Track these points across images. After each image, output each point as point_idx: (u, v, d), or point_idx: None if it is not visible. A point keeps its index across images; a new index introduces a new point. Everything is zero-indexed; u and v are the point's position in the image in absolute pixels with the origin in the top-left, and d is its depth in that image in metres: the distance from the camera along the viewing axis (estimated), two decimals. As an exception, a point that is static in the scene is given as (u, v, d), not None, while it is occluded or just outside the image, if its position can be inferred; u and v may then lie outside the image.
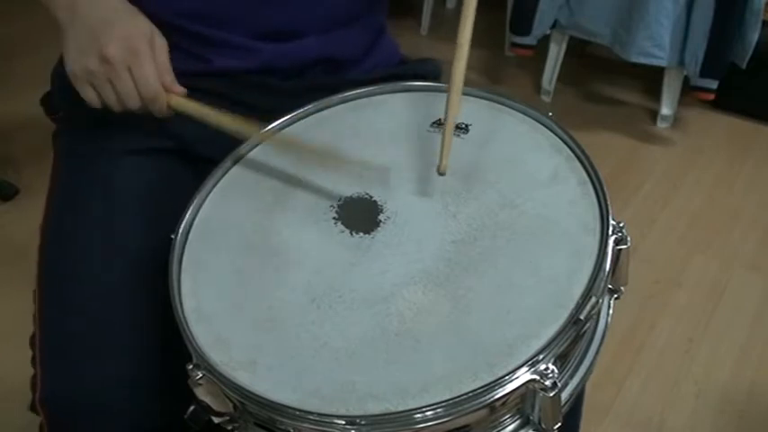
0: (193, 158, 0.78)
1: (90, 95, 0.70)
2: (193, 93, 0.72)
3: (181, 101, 0.71)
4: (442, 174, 0.65)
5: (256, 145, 0.75)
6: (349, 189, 0.68)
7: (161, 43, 0.70)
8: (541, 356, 0.52)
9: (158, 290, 0.62)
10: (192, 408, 0.57)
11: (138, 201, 0.75)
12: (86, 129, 0.79)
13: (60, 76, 0.85)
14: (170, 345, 0.61)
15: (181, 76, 0.72)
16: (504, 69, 2.49)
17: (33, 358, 0.70)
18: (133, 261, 0.71)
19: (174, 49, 0.73)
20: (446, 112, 0.68)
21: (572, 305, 0.55)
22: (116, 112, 0.71)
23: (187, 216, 0.67)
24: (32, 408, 0.68)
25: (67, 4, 0.69)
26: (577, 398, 0.61)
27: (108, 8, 0.70)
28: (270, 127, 0.75)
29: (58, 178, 0.79)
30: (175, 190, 0.71)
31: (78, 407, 0.65)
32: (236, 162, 0.73)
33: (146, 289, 0.69)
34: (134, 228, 0.73)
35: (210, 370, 0.54)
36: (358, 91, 0.80)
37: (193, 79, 0.74)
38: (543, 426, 0.54)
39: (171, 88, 0.71)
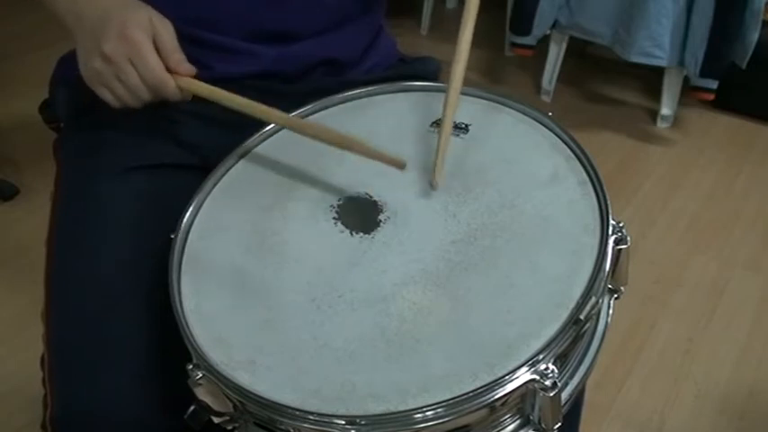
0: (189, 170, 0.78)
1: (106, 96, 0.69)
2: (197, 100, 0.72)
3: (190, 82, 0.70)
4: (434, 188, 0.65)
5: (256, 145, 0.75)
6: (349, 189, 0.68)
7: (162, 24, 0.68)
8: (541, 356, 0.52)
9: (158, 290, 0.62)
10: (192, 408, 0.57)
11: (138, 207, 0.75)
12: (86, 144, 0.79)
13: (59, 86, 0.85)
14: (170, 345, 0.61)
15: None
16: (504, 69, 2.49)
17: (44, 379, 0.70)
18: (135, 266, 0.71)
19: None
20: (441, 129, 0.68)
21: (572, 305, 0.55)
22: (113, 126, 0.70)
23: (187, 216, 0.67)
24: (43, 426, 0.69)
25: (71, 8, 0.69)
26: (577, 398, 0.61)
27: (106, 4, 0.69)
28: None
29: (60, 195, 0.78)
30: (174, 197, 0.71)
31: (88, 425, 0.66)
32: (235, 162, 0.73)
33: (147, 292, 0.69)
34: (134, 234, 0.73)
35: (210, 370, 0.54)
36: (358, 91, 0.80)
37: None
38: (543, 426, 0.54)
39: (178, 69, 0.69)
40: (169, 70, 0.68)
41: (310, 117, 0.78)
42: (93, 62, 0.67)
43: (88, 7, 0.69)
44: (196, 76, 0.70)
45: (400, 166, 0.66)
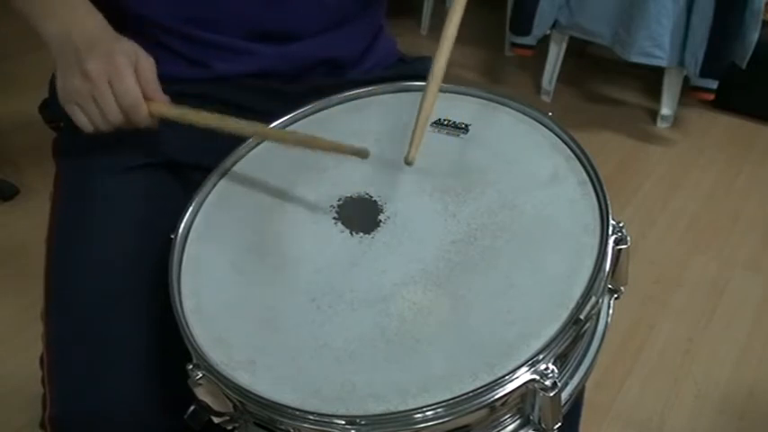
0: (185, 170, 0.78)
1: (79, 117, 0.69)
2: (195, 99, 0.72)
3: (162, 106, 0.70)
4: (409, 164, 0.64)
5: (256, 145, 0.75)
6: (349, 189, 0.68)
7: (146, 58, 0.69)
8: (541, 356, 0.52)
9: (158, 290, 0.62)
10: (192, 408, 0.57)
11: (137, 207, 0.75)
12: (86, 144, 0.79)
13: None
14: (170, 345, 0.61)
15: (183, 82, 0.72)
16: (504, 69, 2.49)
17: (43, 378, 0.70)
18: (135, 266, 0.71)
19: (175, 55, 0.73)
20: (421, 103, 0.67)
21: (572, 305, 0.55)
22: (107, 132, 0.70)
23: (187, 216, 0.67)
24: (42, 425, 0.69)
25: (61, 35, 0.69)
26: (577, 398, 0.61)
27: (93, 34, 0.70)
28: (273, 126, 0.75)
29: (60, 195, 0.78)
30: (173, 197, 0.71)
31: (86, 424, 0.66)
32: (235, 163, 0.73)
33: (147, 292, 0.69)
34: (134, 234, 0.73)
35: (210, 370, 0.54)
36: (358, 91, 0.80)
37: (195, 86, 0.74)
38: (543, 426, 0.54)
39: (154, 97, 0.69)
40: (145, 98, 0.69)
41: (310, 117, 0.78)
42: (73, 80, 0.67)
43: (77, 31, 0.69)
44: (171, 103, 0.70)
45: (363, 155, 0.65)
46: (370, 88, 0.80)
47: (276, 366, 0.55)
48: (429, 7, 2.64)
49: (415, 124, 0.66)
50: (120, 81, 0.67)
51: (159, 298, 0.62)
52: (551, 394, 0.51)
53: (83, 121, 0.70)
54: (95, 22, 0.71)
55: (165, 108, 0.70)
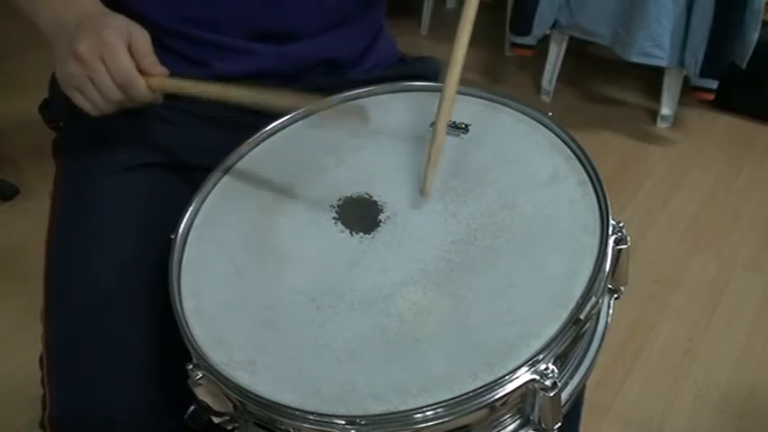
0: (188, 170, 0.78)
1: (79, 100, 0.68)
2: (194, 99, 0.72)
3: (160, 80, 0.68)
4: (424, 196, 0.65)
5: (256, 145, 0.75)
6: (349, 189, 0.68)
7: (139, 31, 0.68)
8: (541, 356, 0.52)
9: (158, 290, 0.62)
10: (192, 408, 0.57)
11: (137, 207, 0.75)
12: (85, 143, 0.79)
13: (59, 86, 0.85)
14: (170, 345, 0.61)
15: None
16: (504, 69, 2.49)
17: (42, 379, 0.70)
18: (135, 266, 0.71)
19: (174, 55, 0.72)
20: (433, 137, 0.68)
21: (572, 305, 0.55)
22: (112, 125, 0.70)
23: (187, 216, 0.67)
24: (42, 425, 0.69)
25: (54, 22, 0.69)
26: (577, 398, 0.61)
27: (83, 13, 0.69)
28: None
29: (60, 195, 0.78)
30: (173, 197, 0.71)
31: (86, 424, 0.66)
32: (235, 162, 0.73)
33: (147, 292, 0.69)
34: (134, 234, 0.73)
35: (210, 370, 0.54)
36: (358, 91, 0.80)
37: None
38: (543, 426, 0.54)
39: (150, 70, 0.68)
40: (142, 72, 0.67)
41: (310, 117, 0.78)
42: (67, 65, 0.66)
43: (69, 14, 0.69)
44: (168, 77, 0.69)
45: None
46: (370, 88, 0.80)
47: (276, 366, 0.55)
48: (429, 7, 2.64)
49: (428, 155, 0.66)
50: (113, 58, 0.65)
51: (159, 298, 0.62)
52: (551, 394, 0.51)
53: (85, 105, 0.68)
54: (85, 2, 0.70)
55: (164, 81, 0.69)
